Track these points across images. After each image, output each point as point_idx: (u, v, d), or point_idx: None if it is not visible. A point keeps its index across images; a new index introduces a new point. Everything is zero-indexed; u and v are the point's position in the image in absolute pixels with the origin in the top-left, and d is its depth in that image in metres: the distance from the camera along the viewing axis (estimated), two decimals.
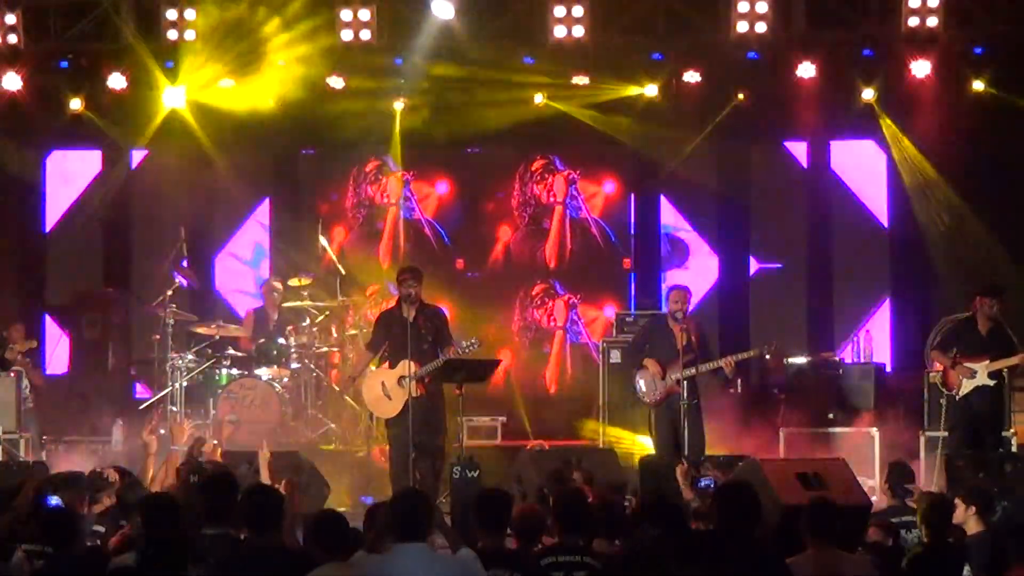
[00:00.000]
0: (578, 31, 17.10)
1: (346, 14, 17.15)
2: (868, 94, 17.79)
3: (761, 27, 16.93)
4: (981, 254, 17.64)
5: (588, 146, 19.02)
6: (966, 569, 9.46)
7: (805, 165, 19.11)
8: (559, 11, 17.03)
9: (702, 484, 12.01)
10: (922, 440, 15.58)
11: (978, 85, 17.47)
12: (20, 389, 16.46)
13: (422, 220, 19.42)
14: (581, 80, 17.87)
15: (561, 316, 19.25)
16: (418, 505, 7.96)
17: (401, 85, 18.10)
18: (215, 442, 13.83)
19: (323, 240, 18.01)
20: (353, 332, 17.46)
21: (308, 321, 17.39)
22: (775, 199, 19.29)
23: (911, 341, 17.35)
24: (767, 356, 16.00)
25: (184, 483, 10.92)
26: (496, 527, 8.54)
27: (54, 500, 10.01)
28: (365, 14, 17.16)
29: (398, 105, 18.37)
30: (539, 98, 18.21)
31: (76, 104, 18.22)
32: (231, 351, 17.23)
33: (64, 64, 18.08)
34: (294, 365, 17.14)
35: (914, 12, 16.76)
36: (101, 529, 10.09)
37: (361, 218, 19.47)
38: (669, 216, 19.37)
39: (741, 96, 18.01)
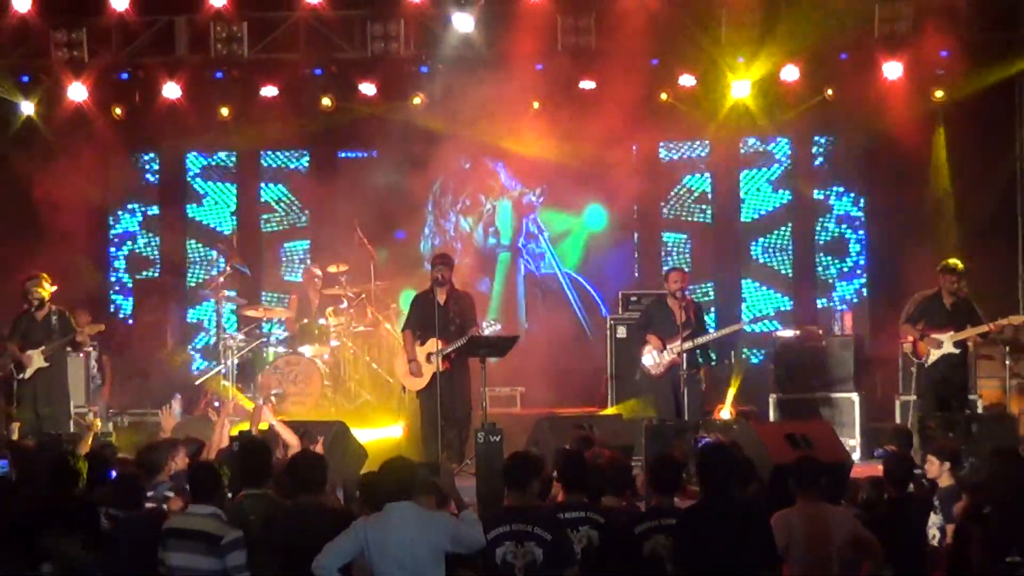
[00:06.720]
0: (585, 39, 17.32)
1: (377, 28, 17.67)
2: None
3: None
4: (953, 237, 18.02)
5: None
6: (935, 516, 10.10)
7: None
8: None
9: (703, 444, 12.33)
10: (897, 404, 16.21)
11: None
12: (88, 368, 17.15)
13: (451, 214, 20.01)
14: (587, 85, 18.15)
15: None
16: (400, 470, 8.33)
17: (424, 91, 18.42)
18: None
19: (359, 232, 18.38)
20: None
21: (345, 303, 17.77)
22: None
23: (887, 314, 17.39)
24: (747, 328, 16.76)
25: (229, 450, 11.50)
26: (520, 486, 8.78)
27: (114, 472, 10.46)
28: (394, 27, 17.65)
29: (420, 108, 18.60)
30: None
31: (116, 110, 18.51)
32: (277, 331, 17.77)
33: (124, 76, 18.39)
34: (333, 343, 17.54)
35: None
36: (170, 494, 10.33)
37: None
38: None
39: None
